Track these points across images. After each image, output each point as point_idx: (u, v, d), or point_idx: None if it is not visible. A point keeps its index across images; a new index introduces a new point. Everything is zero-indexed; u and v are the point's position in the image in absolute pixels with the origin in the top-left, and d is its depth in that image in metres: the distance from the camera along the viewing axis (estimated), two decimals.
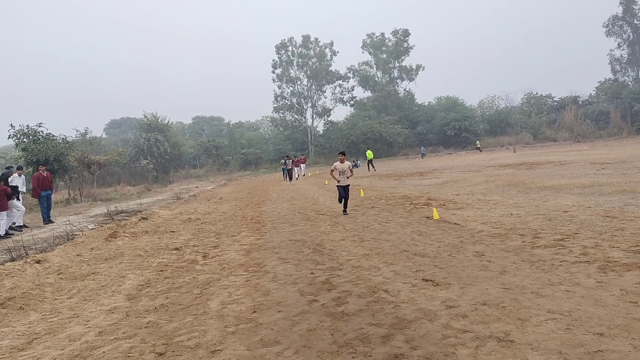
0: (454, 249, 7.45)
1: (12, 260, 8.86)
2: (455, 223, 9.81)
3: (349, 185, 12.93)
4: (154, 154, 57.07)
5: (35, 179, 15.44)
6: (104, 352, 4.46)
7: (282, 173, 37.09)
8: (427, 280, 5.83)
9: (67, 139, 26.29)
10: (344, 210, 12.97)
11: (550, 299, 4.75)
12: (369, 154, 42.27)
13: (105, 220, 15.12)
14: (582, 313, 4.31)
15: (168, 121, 65.06)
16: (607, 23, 79.20)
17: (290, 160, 33.06)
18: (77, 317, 5.67)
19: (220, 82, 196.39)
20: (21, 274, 7.77)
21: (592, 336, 3.80)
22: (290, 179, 32.21)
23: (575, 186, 13.75)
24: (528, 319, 4.29)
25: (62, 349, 4.62)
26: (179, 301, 5.98)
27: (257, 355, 4.06)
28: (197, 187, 36.27)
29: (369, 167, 40.65)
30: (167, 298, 6.17)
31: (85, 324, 5.34)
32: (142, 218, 14.93)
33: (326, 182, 27.60)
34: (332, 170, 12.96)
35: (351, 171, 13.00)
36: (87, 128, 56.66)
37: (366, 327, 4.48)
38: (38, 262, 8.55)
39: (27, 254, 9.24)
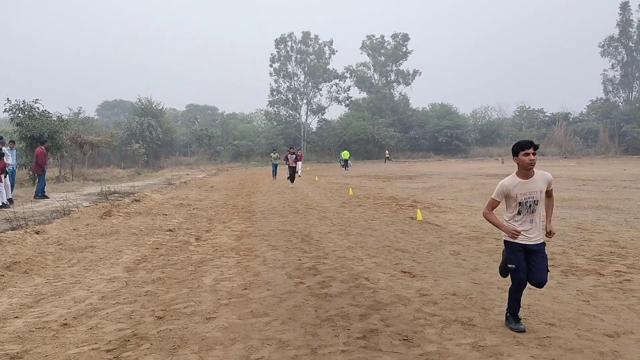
0: (433, 247, 7.97)
1: (12, 229, 9.23)
2: (437, 225, 10.34)
3: (543, 243, 4.66)
4: (146, 139, 56.98)
5: (43, 155, 15.75)
6: (107, 313, 4.91)
7: (272, 170, 29.65)
8: (405, 272, 6.35)
9: (62, 117, 26.46)
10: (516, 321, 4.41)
11: None
12: (345, 154, 46.11)
13: (99, 199, 15.49)
14: (539, 307, 4.84)
15: (162, 107, 65.06)
16: (602, 43, 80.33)
17: (294, 156, 23.82)
18: (80, 283, 6.11)
19: (216, 71, 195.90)
20: (22, 242, 8.15)
21: (544, 325, 4.34)
22: (293, 179, 23.28)
23: (555, 199, 14.32)
24: (491, 308, 4.82)
25: (68, 309, 5.06)
26: (174, 276, 6.43)
27: (247, 324, 4.53)
28: (187, 174, 36.59)
29: (345, 167, 44.18)
30: (163, 272, 6.62)
31: (88, 289, 5.78)
32: (135, 200, 15.30)
33: (316, 179, 28.09)
34: (491, 206, 4.75)
35: (550, 197, 4.95)
36: (80, 108, 56.48)
37: (346, 306, 4.98)
38: (37, 232, 8.92)
39: (27, 225, 9.63)
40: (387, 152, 63.69)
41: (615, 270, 6.23)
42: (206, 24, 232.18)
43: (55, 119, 25.21)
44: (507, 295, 5.20)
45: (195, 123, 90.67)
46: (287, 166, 23.90)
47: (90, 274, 6.57)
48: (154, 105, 61.86)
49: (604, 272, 6.18)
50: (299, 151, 35.63)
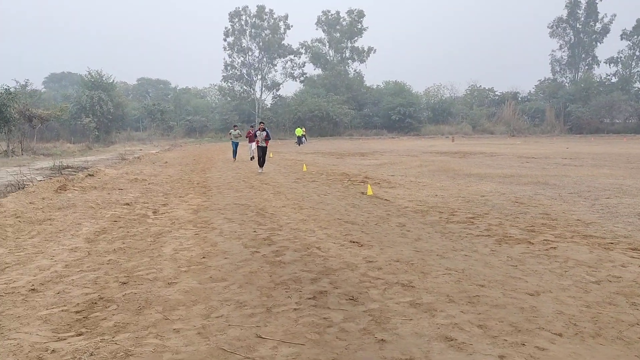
0: (381, 220, 8.50)
1: None
2: (385, 199, 10.89)
3: None
4: (97, 113, 55.56)
5: None
6: (72, 279, 5.17)
7: (232, 149, 25.32)
8: (353, 242, 6.83)
9: (10, 89, 25.66)
10: None
11: (451, 260, 5.84)
12: (299, 130, 47.28)
13: (53, 173, 15.34)
14: (472, 271, 5.40)
15: (113, 80, 63.36)
16: (551, 24, 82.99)
17: (264, 133, 17.84)
18: (42, 253, 6.31)
19: (168, 44, 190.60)
20: None
21: (475, 286, 4.89)
22: (262, 162, 18.19)
23: (498, 175, 15.21)
24: (429, 272, 5.34)
25: (34, 276, 5.29)
26: (134, 246, 6.71)
27: (207, 288, 4.90)
28: (140, 149, 36.14)
29: (299, 143, 45.51)
30: (123, 243, 6.88)
31: (52, 259, 6.00)
32: (89, 174, 15.26)
33: (271, 155, 28.32)
34: None
35: None
36: (27, 80, 54.42)
37: (299, 272, 5.41)
38: None
39: None
40: (303, 129, 53.36)
41: (544, 239, 6.89)
42: None
43: (2, 91, 24.45)
44: (445, 261, 5.78)
45: (147, 97, 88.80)
46: (255, 146, 18.81)
47: (51, 245, 6.75)
48: (104, 79, 60.18)
49: (533, 240, 6.82)
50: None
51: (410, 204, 10.13)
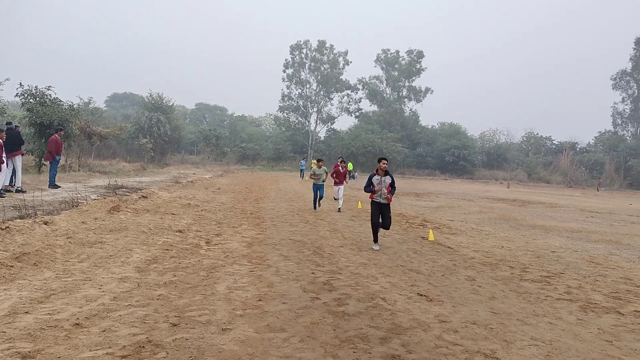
0: (447, 271, 7.85)
1: (21, 218, 9.14)
2: (449, 247, 10.23)
3: None
4: (154, 134, 56.92)
5: (54, 142, 15.72)
6: (120, 315, 4.80)
7: (314, 194, 16.53)
8: (421, 295, 6.23)
9: (74, 106, 26.37)
10: None
11: (534, 327, 5.17)
12: (350, 165, 46.65)
13: (107, 192, 15.40)
14: (562, 344, 4.72)
15: (172, 103, 65.06)
16: (615, 76, 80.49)
17: (389, 179, 10.23)
18: (90, 280, 6.00)
19: (228, 72, 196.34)
20: (31, 232, 8.04)
21: None
22: (376, 234, 10.01)
23: (565, 229, 14.22)
24: (513, 341, 4.69)
25: (80, 307, 4.95)
26: (186, 280, 6.33)
27: (265, 339, 4.42)
28: (194, 173, 36.54)
29: (352, 177, 45.89)
30: (174, 276, 6.52)
31: (99, 288, 5.68)
32: (143, 196, 15.23)
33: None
34: None
35: None
36: (90, 98, 56.39)
37: (365, 328, 4.86)
38: (45, 223, 8.81)
39: (35, 214, 9.54)
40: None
41: (634, 310, 6.09)
42: (221, 22, 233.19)
43: (66, 107, 25.08)
44: (528, 328, 5.11)
45: (203, 122, 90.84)
46: (342, 192, 15.78)
47: (100, 272, 6.46)
48: (164, 101, 61.84)
49: (623, 311, 6.04)
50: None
51: (477, 255, 9.43)
